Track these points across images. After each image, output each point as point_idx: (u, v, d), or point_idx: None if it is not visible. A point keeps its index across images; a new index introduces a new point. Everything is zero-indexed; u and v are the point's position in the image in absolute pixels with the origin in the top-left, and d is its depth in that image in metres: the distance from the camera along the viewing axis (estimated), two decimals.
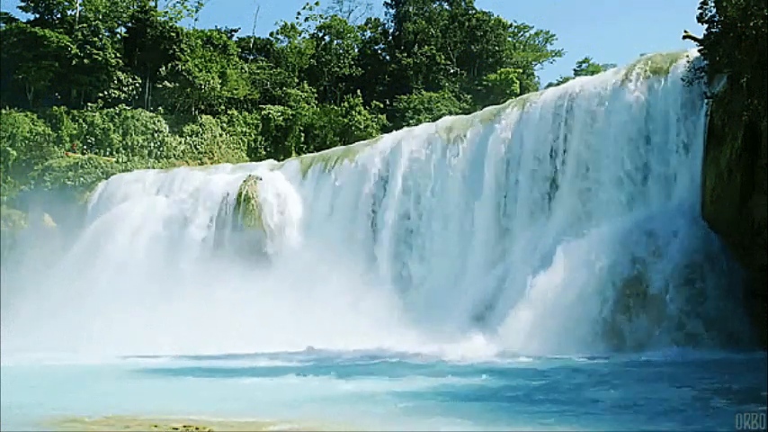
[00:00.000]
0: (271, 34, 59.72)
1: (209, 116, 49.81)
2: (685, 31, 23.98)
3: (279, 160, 44.11)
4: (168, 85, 48.04)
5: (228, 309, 27.88)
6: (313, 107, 53.60)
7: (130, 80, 49.03)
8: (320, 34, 60.44)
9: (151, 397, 14.62)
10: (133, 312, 28.68)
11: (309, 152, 45.02)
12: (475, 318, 25.32)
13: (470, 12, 60.69)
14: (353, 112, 51.87)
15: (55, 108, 46.24)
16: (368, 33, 62.47)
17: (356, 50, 60.67)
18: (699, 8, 21.29)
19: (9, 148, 43.49)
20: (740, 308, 20.11)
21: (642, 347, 20.25)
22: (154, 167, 44.89)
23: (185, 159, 47.17)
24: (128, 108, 47.73)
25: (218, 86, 49.21)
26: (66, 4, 51.13)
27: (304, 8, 61.22)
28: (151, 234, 36.27)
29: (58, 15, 51.15)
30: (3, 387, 13.55)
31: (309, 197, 35.45)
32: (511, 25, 62.68)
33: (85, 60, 47.19)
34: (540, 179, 27.28)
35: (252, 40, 59.59)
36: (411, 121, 47.59)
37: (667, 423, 10.81)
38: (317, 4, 61.50)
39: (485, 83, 56.42)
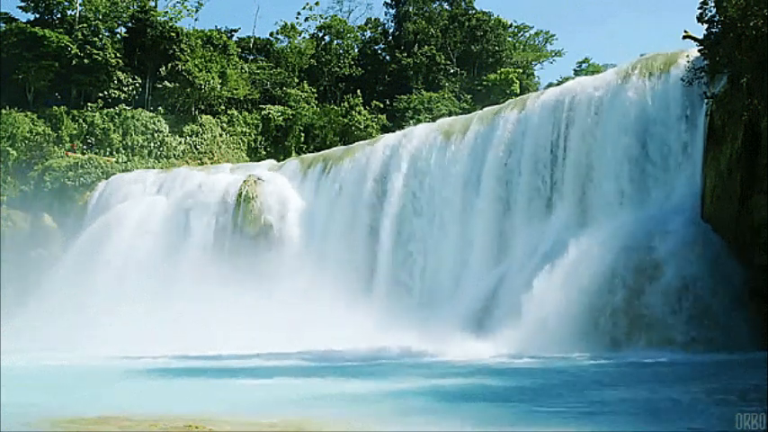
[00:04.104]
0: (271, 34, 59.84)
1: (209, 116, 49.84)
2: (685, 31, 23.98)
3: (279, 160, 44.15)
4: (168, 85, 48.06)
5: (228, 308, 27.87)
6: (313, 107, 53.63)
7: (130, 80, 49.05)
8: (320, 34, 60.48)
9: (151, 397, 14.59)
10: (133, 312, 28.70)
11: (309, 152, 45.05)
12: (475, 318, 25.30)
13: (470, 12, 60.72)
14: (353, 112, 51.89)
15: (55, 108, 46.26)
16: (368, 33, 62.53)
17: (356, 50, 60.71)
18: (699, 8, 21.30)
19: (9, 148, 43.52)
20: (740, 308, 20.08)
21: (642, 348, 20.23)
22: (154, 167, 44.93)
23: (185, 159, 47.20)
24: (128, 108, 47.77)
25: (218, 86, 49.24)
26: (66, 4, 51.17)
27: (304, 8, 61.43)
28: (151, 234, 36.29)
29: (58, 15, 51.20)
30: (3, 387, 13.54)
31: (309, 197, 35.45)
32: (511, 25, 62.73)
33: (85, 60, 47.22)
34: (540, 179, 27.25)
35: (252, 40, 59.62)
36: (411, 121, 47.62)
37: (667, 423, 10.80)
38: (317, 4, 61.65)
39: (485, 83, 56.43)
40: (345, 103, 53.19)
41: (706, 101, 22.41)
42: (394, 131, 37.78)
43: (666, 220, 22.62)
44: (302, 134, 51.93)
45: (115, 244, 35.88)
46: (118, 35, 51.94)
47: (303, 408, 12.56)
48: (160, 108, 48.43)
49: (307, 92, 54.47)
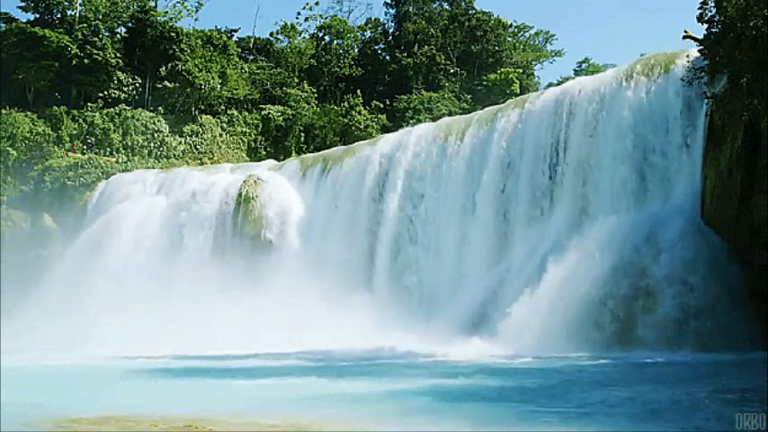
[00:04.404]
0: (271, 34, 59.85)
1: (209, 116, 49.84)
2: (685, 31, 23.99)
3: (279, 160, 44.15)
4: (168, 85, 48.06)
5: (228, 308, 27.88)
6: (313, 107, 53.63)
7: (130, 80, 49.06)
8: (320, 34, 60.50)
9: (151, 397, 14.60)
10: (133, 312, 28.69)
11: (309, 152, 45.04)
12: (475, 318, 25.30)
13: (470, 12, 60.73)
14: (353, 112, 51.89)
15: (55, 108, 46.28)
16: (368, 33, 62.55)
17: (356, 50, 60.72)
18: (699, 8, 21.31)
19: (9, 148, 43.54)
20: (740, 308, 20.09)
21: (642, 347, 20.23)
22: (154, 167, 44.93)
23: (185, 159, 47.20)
24: (128, 108, 47.78)
25: (218, 86, 49.25)
26: (66, 4, 51.19)
27: (304, 8, 61.43)
28: (151, 234, 36.28)
29: (58, 15, 51.22)
30: (3, 387, 13.54)
31: (309, 197, 35.44)
32: (511, 25, 62.74)
33: (85, 60, 47.23)
34: (540, 179, 27.25)
35: (252, 40, 59.63)
36: (411, 121, 47.61)
37: (667, 423, 10.80)
38: (317, 4, 61.65)
39: (485, 83, 56.44)
40: (345, 103, 53.19)
41: (706, 101, 22.42)
42: (394, 131, 37.77)
43: (666, 220, 22.63)
44: (302, 134, 51.93)
45: (115, 244, 35.88)
46: (118, 35, 51.95)
47: (303, 408, 12.56)
48: (160, 108, 48.44)
49: (307, 92, 54.47)
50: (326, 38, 60.38)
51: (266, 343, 23.75)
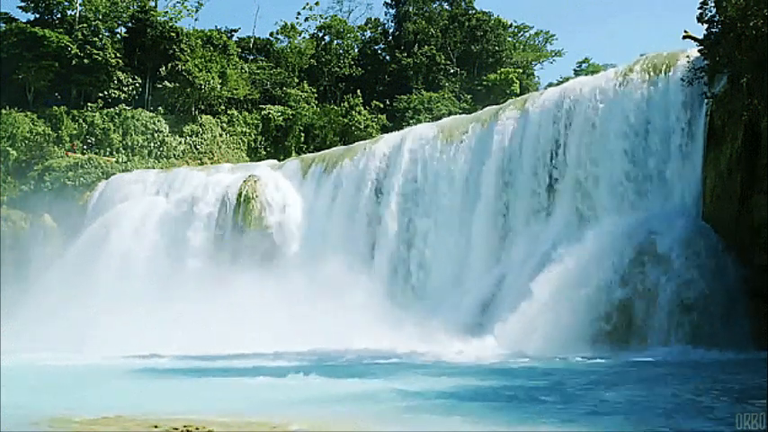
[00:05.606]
0: (271, 34, 59.82)
1: (209, 116, 49.82)
2: (685, 31, 24.02)
3: (279, 160, 44.11)
4: (168, 85, 48.05)
5: (228, 309, 27.87)
6: (313, 107, 53.61)
7: (130, 80, 49.04)
8: (320, 34, 60.47)
9: (151, 397, 14.60)
10: (133, 312, 28.65)
11: (309, 152, 45.01)
12: (475, 318, 25.33)
13: (470, 12, 60.70)
14: (353, 112, 51.87)
15: (55, 108, 46.26)
16: (368, 33, 62.51)
17: (356, 50, 60.70)
18: (699, 8, 21.35)
19: (9, 148, 43.52)
20: (740, 308, 20.11)
21: (642, 347, 20.27)
22: (154, 167, 44.90)
23: (185, 159, 47.18)
24: (128, 108, 47.76)
25: (218, 86, 49.23)
26: (66, 4, 51.16)
27: (304, 8, 61.36)
28: (151, 234, 36.27)
29: (58, 15, 51.19)
30: (3, 387, 13.54)
31: (310, 197, 35.45)
32: (511, 25, 62.70)
33: (85, 60, 47.21)
34: (540, 179, 27.27)
35: (252, 40, 59.61)
36: (411, 121, 47.58)
37: (667, 423, 10.81)
38: (317, 4, 61.60)
39: (485, 83, 56.42)
40: (345, 103, 53.17)
41: (706, 101, 22.44)
42: (394, 131, 37.76)
43: (666, 220, 22.65)
44: (302, 134, 51.91)
45: (115, 244, 35.86)
46: (118, 35, 51.90)
47: (303, 408, 12.57)
48: (160, 108, 48.41)
49: (307, 92, 54.45)
50: (326, 38, 60.36)
51: (266, 343, 23.75)
